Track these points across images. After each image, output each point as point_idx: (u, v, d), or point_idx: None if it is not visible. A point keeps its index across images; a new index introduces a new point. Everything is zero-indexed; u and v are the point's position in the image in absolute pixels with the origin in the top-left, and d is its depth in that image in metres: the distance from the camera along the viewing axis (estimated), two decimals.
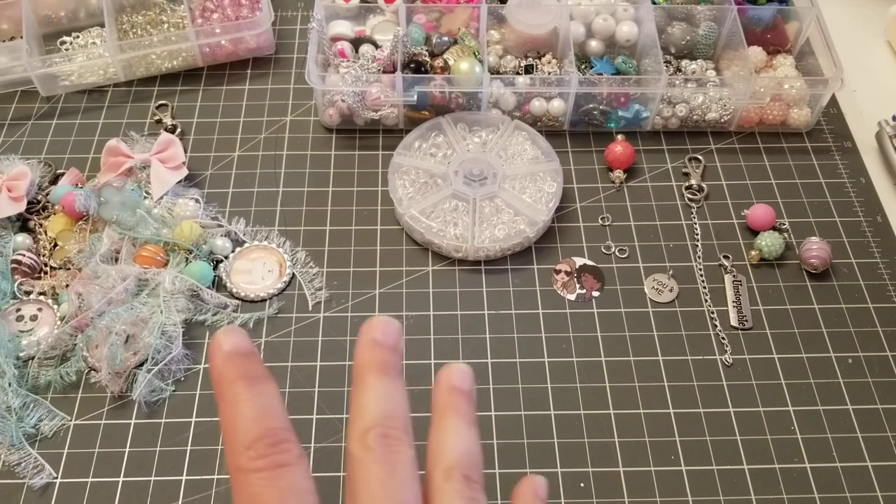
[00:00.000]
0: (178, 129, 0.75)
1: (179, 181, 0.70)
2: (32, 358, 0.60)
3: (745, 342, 0.63)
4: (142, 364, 0.59)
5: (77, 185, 0.70)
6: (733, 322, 0.64)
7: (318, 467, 0.57)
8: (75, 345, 0.60)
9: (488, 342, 0.63)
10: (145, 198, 0.68)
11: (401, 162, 0.71)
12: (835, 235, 0.69)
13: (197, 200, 0.69)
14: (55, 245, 0.67)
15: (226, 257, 0.66)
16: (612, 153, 0.73)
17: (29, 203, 0.68)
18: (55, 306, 0.63)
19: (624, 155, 0.73)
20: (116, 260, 0.64)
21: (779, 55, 0.79)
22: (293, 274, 0.66)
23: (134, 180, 0.69)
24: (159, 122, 0.76)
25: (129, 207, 0.66)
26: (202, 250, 0.66)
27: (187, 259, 0.65)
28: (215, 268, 0.66)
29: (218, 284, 0.66)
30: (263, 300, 0.65)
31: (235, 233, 0.68)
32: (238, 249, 0.67)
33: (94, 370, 0.59)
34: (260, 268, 0.66)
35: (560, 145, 0.75)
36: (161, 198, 0.68)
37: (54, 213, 0.68)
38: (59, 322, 0.62)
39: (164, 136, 0.71)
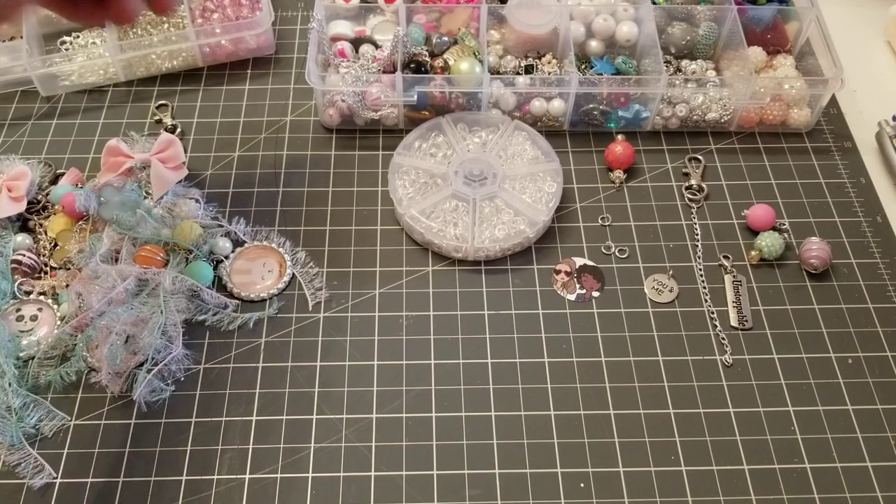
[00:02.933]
0: (179, 129, 0.75)
1: (180, 181, 0.70)
2: (32, 358, 0.60)
3: (745, 342, 0.63)
4: (142, 364, 0.59)
5: (77, 185, 0.70)
6: (733, 322, 0.64)
7: (317, 467, 0.57)
8: (75, 345, 0.60)
9: (488, 342, 0.63)
10: (145, 198, 0.68)
11: (401, 162, 0.71)
12: (835, 236, 0.69)
13: (197, 200, 0.69)
14: (55, 245, 0.67)
15: (226, 257, 0.66)
16: (612, 153, 0.73)
17: (29, 203, 0.68)
18: (55, 306, 0.63)
19: (624, 155, 0.73)
20: (117, 260, 0.64)
21: (779, 55, 0.79)
22: (293, 274, 0.66)
23: (134, 180, 0.69)
24: (159, 122, 0.76)
25: (129, 207, 0.66)
26: (202, 250, 0.66)
27: (187, 259, 0.65)
28: (215, 268, 0.66)
29: (218, 284, 0.66)
30: (263, 300, 0.65)
31: (235, 233, 0.68)
32: (238, 249, 0.67)
33: (94, 370, 0.59)
34: (260, 268, 0.66)
35: (560, 145, 0.75)
36: (161, 198, 0.68)
37: (54, 214, 0.68)
38: (59, 322, 0.62)
39: (165, 136, 0.71)
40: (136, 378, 0.59)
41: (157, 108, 0.77)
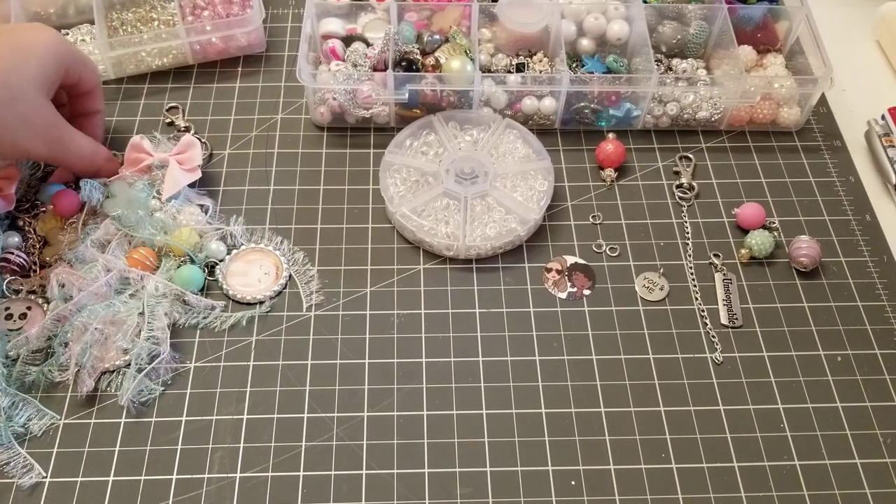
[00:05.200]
0: (193, 130, 0.75)
1: (193, 185, 0.69)
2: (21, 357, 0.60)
3: (735, 340, 0.64)
4: (128, 365, 0.59)
5: (67, 182, 0.70)
6: (723, 320, 0.64)
7: (308, 466, 0.57)
8: (56, 335, 0.60)
9: (479, 340, 0.63)
10: (154, 198, 0.68)
11: (392, 160, 0.71)
12: (824, 234, 0.70)
13: (206, 211, 0.68)
14: (45, 243, 0.66)
15: (221, 261, 0.66)
16: (604, 152, 0.73)
17: (18, 201, 0.68)
18: (45, 305, 0.63)
19: (615, 153, 0.73)
20: (106, 250, 0.63)
21: (769, 54, 0.80)
22: (289, 275, 0.66)
23: (148, 179, 0.69)
24: (171, 124, 0.76)
25: (134, 206, 0.66)
26: (198, 257, 0.65)
27: (179, 264, 0.65)
28: (211, 271, 0.65)
29: (214, 287, 0.65)
30: (261, 302, 0.64)
31: (233, 234, 0.67)
32: (234, 252, 0.67)
33: (62, 370, 0.59)
34: (256, 270, 0.66)
35: (551, 144, 0.75)
36: (170, 199, 0.67)
37: (43, 212, 0.68)
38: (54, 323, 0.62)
39: (187, 137, 0.70)
40: (122, 380, 0.59)
41: (168, 110, 0.77)
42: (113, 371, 0.60)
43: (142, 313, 0.61)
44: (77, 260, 0.63)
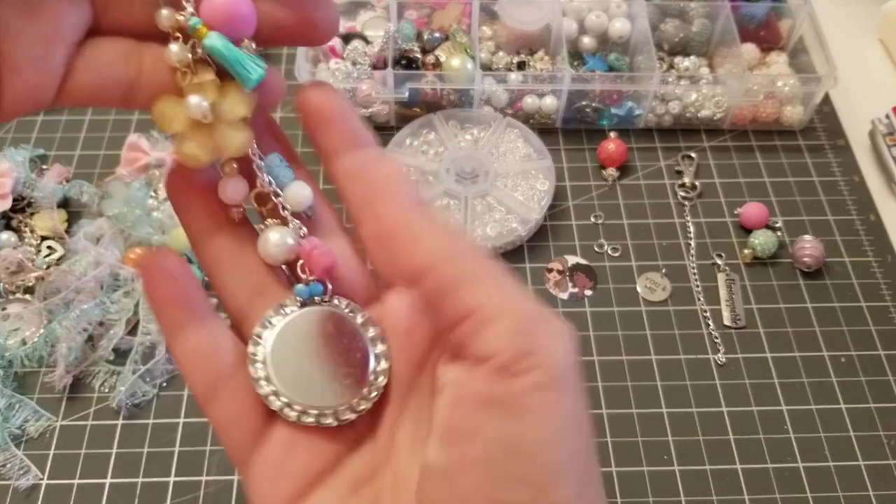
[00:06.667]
0: None
1: None
2: (25, 357, 0.60)
3: (738, 341, 0.63)
4: (111, 361, 0.59)
5: (62, 181, 0.69)
6: (726, 321, 0.64)
7: None
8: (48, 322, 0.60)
9: None
10: (151, 197, 0.68)
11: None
12: (828, 234, 0.69)
13: None
14: (42, 241, 0.66)
15: None
16: (605, 151, 0.73)
17: (13, 200, 0.67)
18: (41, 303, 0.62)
19: (617, 153, 0.72)
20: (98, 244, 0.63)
21: (772, 53, 0.79)
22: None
23: (146, 178, 0.68)
24: None
25: (131, 205, 0.65)
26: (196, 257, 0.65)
27: None
28: None
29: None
30: None
31: None
32: None
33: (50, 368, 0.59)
34: None
35: (552, 143, 0.74)
36: (167, 199, 0.67)
37: (37, 212, 0.68)
38: (45, 322, 0.61)
39: None
40: (117, 381, 0.58)
41: None
42: (108, 372, 0.59)
43: (136, 313, 0.60)
44: (69, 251, 0.62)
